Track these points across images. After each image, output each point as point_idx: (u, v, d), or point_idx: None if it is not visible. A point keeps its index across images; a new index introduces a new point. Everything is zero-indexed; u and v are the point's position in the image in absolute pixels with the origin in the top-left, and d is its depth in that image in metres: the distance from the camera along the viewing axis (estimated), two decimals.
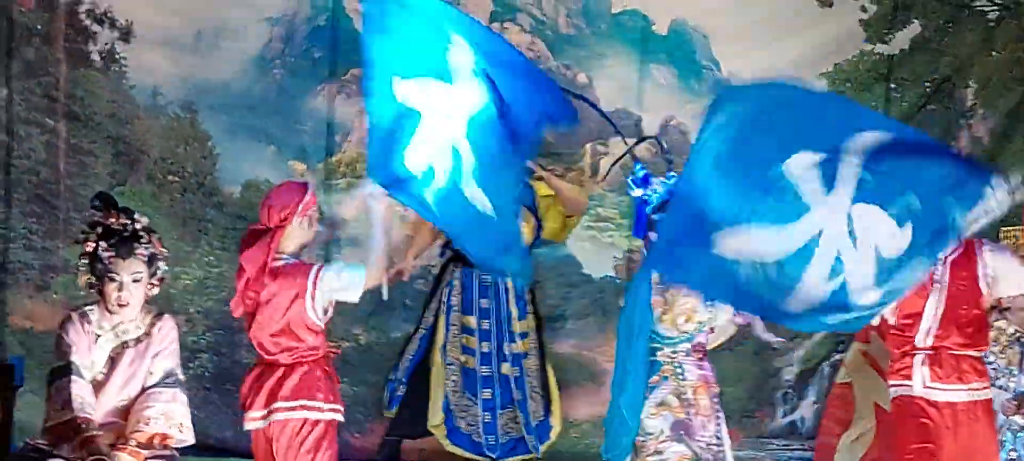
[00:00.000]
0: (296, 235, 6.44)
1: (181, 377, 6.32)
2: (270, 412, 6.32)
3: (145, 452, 6.02)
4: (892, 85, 9.32)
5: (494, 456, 8.04)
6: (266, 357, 6.40)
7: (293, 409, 6.31)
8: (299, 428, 6.30)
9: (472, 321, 8.08)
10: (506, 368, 8.13)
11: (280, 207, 6.37)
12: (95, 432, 5.93)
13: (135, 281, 6.13)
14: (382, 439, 8.22)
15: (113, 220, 6.18)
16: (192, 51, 8.93)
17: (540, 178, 8.15)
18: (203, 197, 9.02)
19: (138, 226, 6.19)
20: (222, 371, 8.96)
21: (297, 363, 6.36)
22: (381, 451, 8.20)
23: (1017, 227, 7.46)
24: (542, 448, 8.19)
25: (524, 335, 8.20)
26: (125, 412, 6.16)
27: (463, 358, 8.12)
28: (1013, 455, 7.25)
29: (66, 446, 5.94)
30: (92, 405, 6.01)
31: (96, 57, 8.90)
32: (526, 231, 8.05)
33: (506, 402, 8.10)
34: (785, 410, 9.26)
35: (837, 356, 9.02)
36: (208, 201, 9.03)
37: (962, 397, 6.39)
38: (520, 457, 8.20)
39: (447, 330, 8.11)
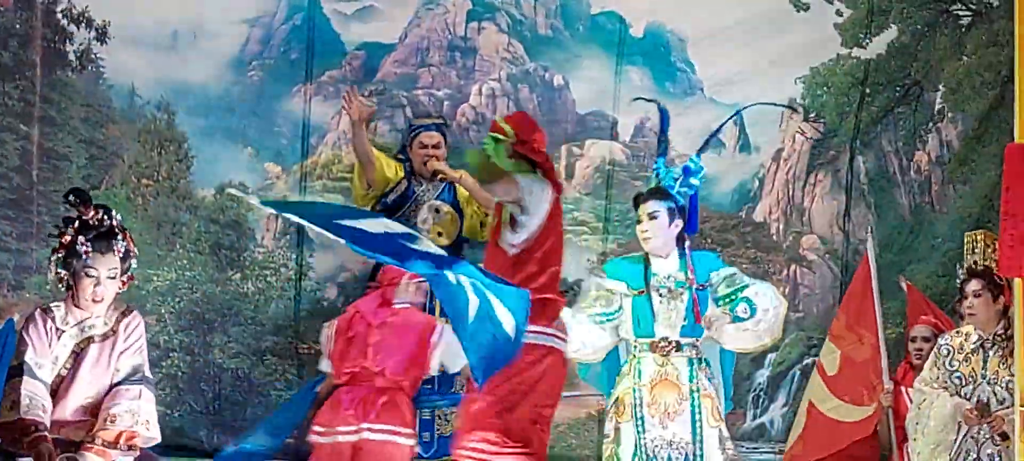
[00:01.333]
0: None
1: (148, 374, 6.31)
2: None
3: (112, 452, 6.02)
4: (867, 89, 9.39)
5: (432, 453, 8.07)
6: None
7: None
8: None
9: None
10: None
11: None
12: (42, 433, 5.88)
13: (111, 277, 6.13)
14: None
15: (91, 215, 6.20)
16: (169, 51, 8.91)
17: (438, 174, 8.23)
18: (177, 200, 9.03)
19: (114, 223, 6.22)
20: (195, 371, 8.97)
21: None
22: None
23: (978, 231, 7.55)
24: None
25: None
26: (93, 409, 6.15)
27: None
28: None
29: (14, 446, 5.94)
30: (44, 406, 5.95)
31: (73, 57, 8.90)
32: (451, 232, 8.16)
33: (455, 401, 8.14)
34: (755, 413, 9.33)
35: (808, 360, 9.10)
36: (182, 205, 9.04)
37: None
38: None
39: None
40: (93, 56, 8.89)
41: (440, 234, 8.32)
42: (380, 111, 9.14)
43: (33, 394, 5.96)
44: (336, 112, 9.11)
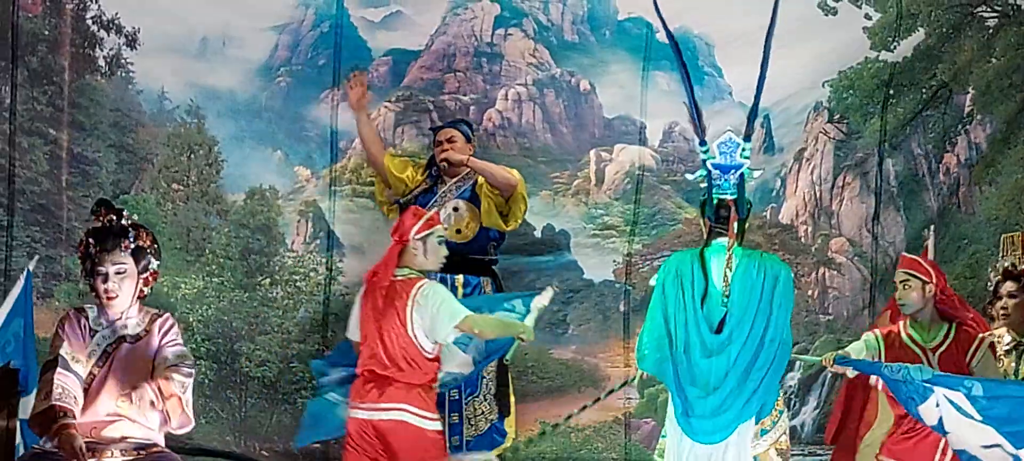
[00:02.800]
0: None
1: (191, 367, 6.38)
2: None
3: (160, 405, 6.10)
4: (891, 91, 9.39)
5: (461, 455, 8.07)
6: None
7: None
8: None
9: None
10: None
11: None
12: (70, 421, 5.96)
13: (118, 273, 6.19)
14: None
15: (102, 217, 6.28)
16: (198, 57, 8.99)
17: (449, 162, 8.18)
18: (207, 205, 9.08)
19: (125, 222, 6.28)
20: (222, 379, 9.01)
21: None
22: None
23: (1014, 233, 7.55)
24: (493, 453, 8.24)
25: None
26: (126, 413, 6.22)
27: None
28: None
29: (46, 436, 6.00)
30: (76, 397, 6.05)
31: (102, 63, 8.95)
32: (471, 228, 8.14)
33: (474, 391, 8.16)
34: (787, 416, 9.31)
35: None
36: (211, 209, 9.09)
37: None
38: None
39: None
40: (123, 61, 8.95)
41: (458, 231, 8.28)
42: (406, 116, 9.17)
43: (65, 385, 6.07)
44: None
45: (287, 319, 9.05)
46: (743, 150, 6.54)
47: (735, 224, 6.42)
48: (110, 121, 9.01)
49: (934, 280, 7.18)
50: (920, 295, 7.15)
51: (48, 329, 8.55)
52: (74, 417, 6.01)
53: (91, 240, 6.21)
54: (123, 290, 6.21)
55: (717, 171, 6.52)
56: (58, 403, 6.00)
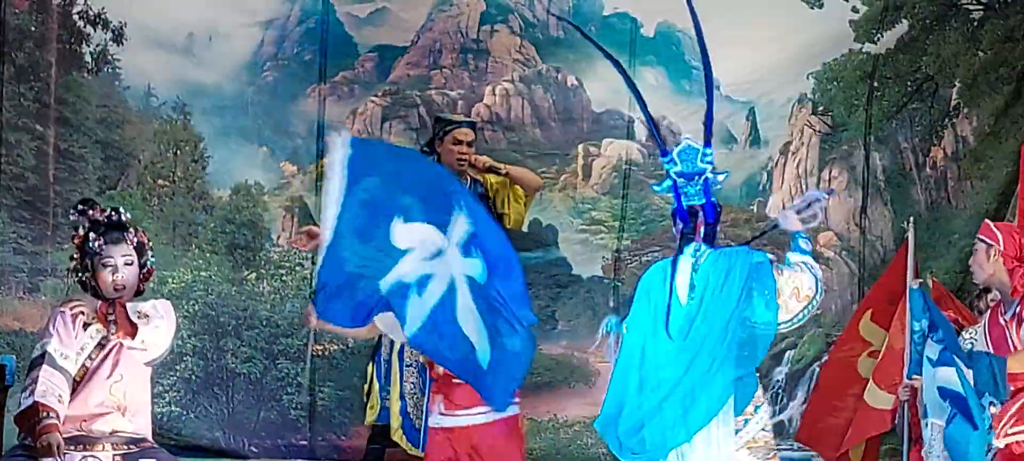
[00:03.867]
0: None
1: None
2: None
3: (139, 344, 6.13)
4: (875, 84, 9.43)
5: None
6: None
7: None
8: None
9: None
10: None
11: None
12: (52, 421, 5.93)
13: (127, 264, 6.21)
14: (366, 448, 8.26)
15: (98, 212, 6.29)
16: (184, 53, 9.03)
17: (489, 169, 8.12)
18: (192, 200, 9.11)
19: (123, 218, 6.31)
20: (209, 374, 9.03)
21: None
22: (366, 459, 8.25)
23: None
24: None
25: None
26: (117, 406, 6.21)
27: (422, 358, 8.15)
28: None
29: (30, 434, 6.00)
30: (60, 396, 6.00)
31: (88, 59, 8.98)
32: None
33: None
34: (775, 410, 9.35)
35: (826, 357, 9.12)
36: (197, 205, 9.11)
37: None
38: None
39: None
40: (109, 57, 8.99)
41: None
42: (394, 111, 9.21)
43: (50, 382, 6.01)
44: (350, 112, 9.17)
45: (275, 313, 9.07)
46: (704, 155, 6.52)
47: (702, 229, 6.40)
48: (96, 117, 9.04)
49: (1002, 246, 6.96)
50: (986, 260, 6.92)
51: (35, 323, 8.62)
52: (57, 417, 5.99)
53: (93, 234, 6.20)
54: (129, 280, 6.22)
55: (681, 179, 6.50)
56: (41, 401, 5.99)
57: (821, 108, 9.49)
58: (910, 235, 8.27)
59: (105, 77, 8.99)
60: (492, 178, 8.08)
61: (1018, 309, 7.02)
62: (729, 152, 9.46)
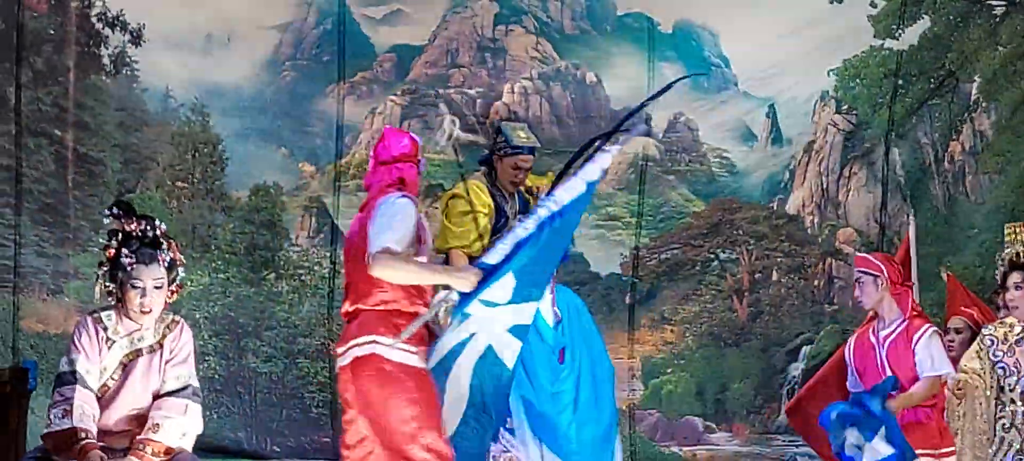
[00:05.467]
0: None
1: (196, 385, 6.42)
2: None
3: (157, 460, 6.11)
4: (900, 81, 9.48)
5: None
6: None
7: None
8: None
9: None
10: None
11: None
12: (91, 441, 5.96)
13: (157, 287, 6.15)
14: None
15: (133, 226, 6.27)
16: (203, 55, 9.13)
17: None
18: (211, 202, 9.20)
19: (158, 232, 6.29)
20: (231, 374, 9.13)
21: None
22: None
23: (1019, 222, 7.61)
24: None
25: None
26: (138, 419, 6.25)
27: None
28: None
29: (63, 454, 6.04)
30: (93, 416, 6.01)
31: (107, 61, 9.07)
32: None
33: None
34: None
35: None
36: (217, 206, 9.20)
37: None
38: None
39: None
40: (127, 60, 9.08)
41: None
42: (413, 110, 9.29)
43: (85, 403, 6.03)
44: (369, 112, 9.26)
45: (293, 314, 9.16)
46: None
47: None
48: (115, 121, 9.13)
49: (886, 274, 7.42)
50: (874, 290, 7.38)
51: (58, 325, 8.74)
52: (93, 438, 6.05)
53: (126, 250, 6.18)
54: (156, 304, 6.18)
55: None
56: (79, 425, 6.03)
57: (845, 106, 9.54)
58: (911, 230, 8.39)
59: (123, 80, 9.09)
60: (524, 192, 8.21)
61: (902, 328, 7.39)
62: (749, 150, 9.53)
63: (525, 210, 8.08)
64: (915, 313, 7.55)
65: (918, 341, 7.51)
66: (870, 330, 7.65)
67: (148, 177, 9.15)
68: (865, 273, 7.36)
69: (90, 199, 9.00)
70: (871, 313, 7.70)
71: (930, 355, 7.46)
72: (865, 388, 7.31)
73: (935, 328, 7.53)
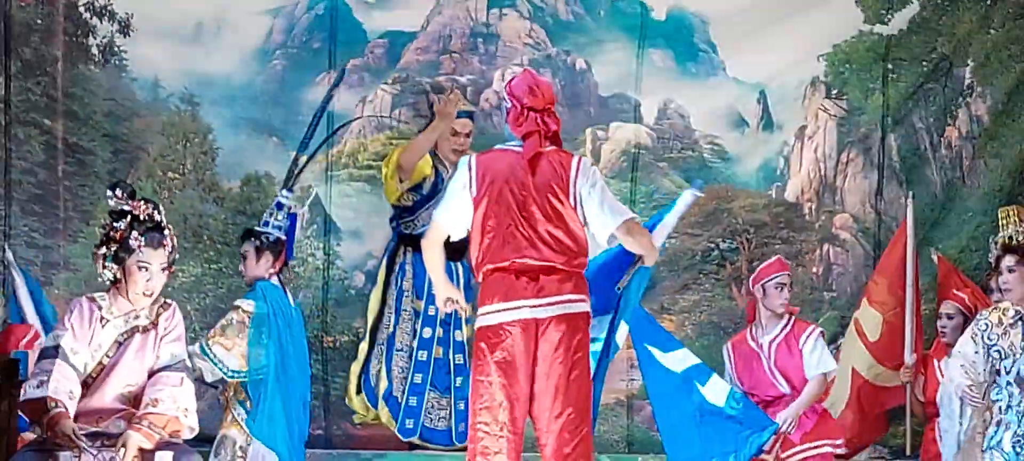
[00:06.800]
0: None
1: (189, 363, 6.58)
2: None
3: (157, 435, 6.24)
4: (890, 66, 9.55)
5: (431, 442, 8.35)
6: None
7: None
8: None
9: (421, 305, 8.37)
10: (453, 355, 8.46)
11: None
12: (62, 411, 6.12)
13: (162, 269, 6.38)
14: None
15: (141, 208, 6.41)
16: (192, 43, 9.20)
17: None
18: (203, 192, 9.27)
19: (162, 216, 6.45)
20: None
21: None
22: None
23: (1011, 206, 7.70)
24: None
25: (470, 320, 8.54)
26: (132, 399, 6.37)
27: (412, 343, 8.42)
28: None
29: (37, 424, 6.17)
30: (71, 391, 6.19)
31: (95, 51, 9.15)
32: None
33: (440, 387, 8.41)
34: None
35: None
36: (208, 197, 9.27)
37: None
38: (454, 447, 8.52)
39: (398, 315, 8.40)
40: (116, 49, 9.16)
41: None
42: (404, 98, 9.36)
43: (62, 377, 6.18)
44: (359, 100, 9.35)
45: None
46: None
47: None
48: (104, 110, 9.20)
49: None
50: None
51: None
52: (65, 409, 6.16)
53: (135, 232, 6.34)
54: (158, 285, 6.40)
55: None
56: (53, 395, 6.15)
57: (835, 92, 9.62)
58: (909, 211, 8.49)
59: (112, 69, 9.17)
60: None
61: (787, 331, 7.68)
62: (741, 136, 9.61)
63: None
64: (796, 315, 7.92)
65: (805, 343, 7.86)
66: (747, 336, 7.94)
67: (138, 167, 9.23)
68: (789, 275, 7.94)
69: (80, 189, 9.08)
70: (748, 318, 7.97)
71: (817, 355, 7.83)
72: (758, 396, 7.79)
73: (821, 329, 8.00)
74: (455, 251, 7.61)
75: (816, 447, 7.86)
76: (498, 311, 6.08)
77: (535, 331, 6.05)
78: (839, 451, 8.02)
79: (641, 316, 7.39)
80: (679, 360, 7.34)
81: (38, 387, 6.19)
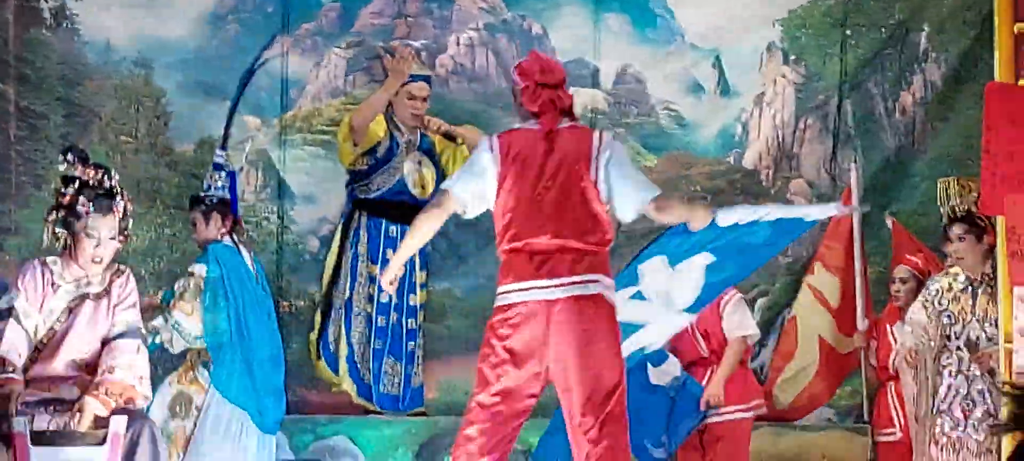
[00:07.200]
0: None
1: (143, 330, 6.58)
2: None
3: (113, 402, 6.23)
4: (848, 31, 9.60)
5: (382, 407, 8.41)
6: None
7: None
8: None
9: (376, 269, 8.41)
10: (406, 319, 8.50)
11: None
12: (12, 376, 6.15)
13: (111, 238, 6.34)
14: None
15: (90, 174, 6.38)
16: (145, 6, 9.20)
17: (444, 134, 8.54)
18: (156, 157, 9.26)
19: (114, 182, 6.42)
20: None
21: None
22: None
23: (947, 178, 7.80)
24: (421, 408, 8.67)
25: (424, 285, 8.59)
26: (86, 366, 6.37)
27: (368, 308, 8.46)
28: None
29: None
30: (20, 352, 6.21)
31: (47, 14, 9.13)
32: (428, 179, 8.45)
33: (396, 353, 8.46)
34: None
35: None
36: (161, 161, 9.26)
37: None
38: (410, 411, 8.61)
39: (354, 279, 8.43)
40: (68, 12, 9.14)
41: (423, 187, 8.62)
42: (358, 62, 9.36)
43: (14, 339, 6.17)
44: (314, 65, 9.33)
45: None
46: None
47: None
48: (57, 74, 9.19)
49: None
50: None
51: None
52: (16, 371, 6.17)
53: (82, 198, 6.30)
54: (108, 253, 6.37)
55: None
56: (4, 356, 6.15)
57: (793, 57, 9.66)
58: (853, 176, 8.57)
59: (64, 32, 9.15)
60: (437, 137, 8.47)
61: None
62: (698, 102, 9.63)
63: (428, 151, 8.41)
64: None
65: (725, 307, 7.96)
66: None
67: (91, 131, 9.22)
68: None
69: (33, 154, 9.06)
70: None
71: (736, 318, 8.01)
72: (681, 360, 7.89)
73: (740, 294, 8.12)
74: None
75: (741, 409, 8.00)
76: (511, 292, 5.97)
77: (547, 313, 5.93)
78: (760, 411, 8.14)
79: None
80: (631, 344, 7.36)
81: None
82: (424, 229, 6.22)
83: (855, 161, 8.91)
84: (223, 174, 7.76)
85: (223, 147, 7.98)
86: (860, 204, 8.25)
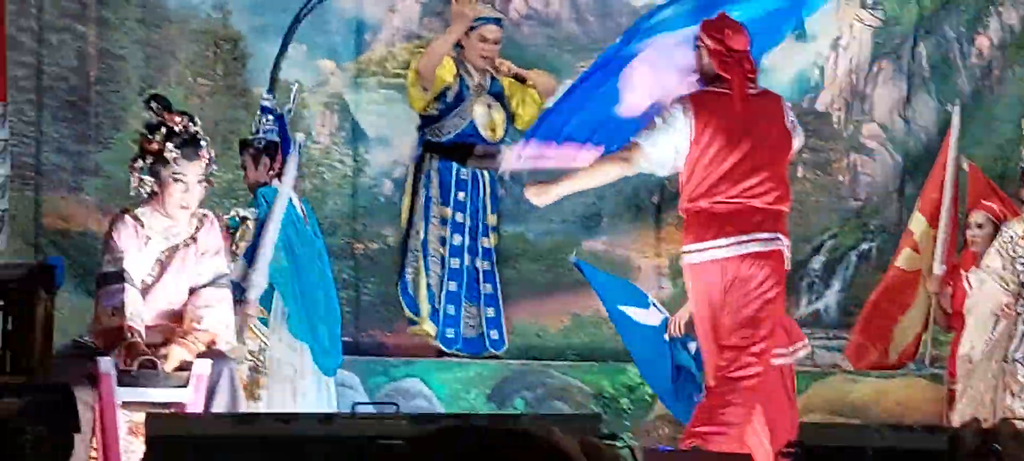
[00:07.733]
0: None
1: (230, 277, 6.68)
2: None
3: (198, 349, 6.34)
4: None
5: (456, 349, 8.49)
6: None
7: None
8: None
9: (449, 212, 8.48)
10: (480, 262, 8.57)
11: None
12: (140, 339, 6.27)
13: (199, 182, 6.43)
14: None
15: (177, 121, 6.47)
16: None
17: (514, 75, 8.58)
18: (232, 98, 9.37)
19: (198, 128, 6.51)
20: None
21: None
22: None
23: None
24: (501, 352, 8.66)
25: (495, 229, 8.65)
26: (174, 315, 6.48)
27: (442, 250, 8.54)
28: None
29: (114, 351, 6.27)
30: (141, 315, 6.32)
31: None
32: (498, 123, 8.50)
33: (473, 297, 8.54)
34: (810, 298, 9.54)
35: (865, 246, 9.32)
36: (238, 102, 9.37)
37: None
38: (484, 354, 8.67)
39: (427, 222, 8.51)
40: None
41: (493, 130, 8.66)
42: (432, 7, 9.39)
43: (135, 302, 6.28)
44: (387, 9, 9.37)
45: (317, 212, 9.32)
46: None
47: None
48: (136, 17, 9.30)
49: None
50: None
51: (79, 222, 8.98)
52: (141, 337, 6.29)
53: (171, 145, 6.38)
54: (195, 199, 6.45)
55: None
56: (130, 323, 6.26)
57: (869, 1, 9.60)
58: (955, 119, 8.46)
59: None
60: (507, 80, 8.50)
61: None
62: (774, 48, 9.56)
63: (498, 94, 8.45)
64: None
65: None
66: None
67: (169, 74, 9.33)
68: None
69: (112, 95, 9.20)
70: None
71: None
72: None
73: None
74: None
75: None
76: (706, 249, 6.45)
77: (734, 269, 6.40)
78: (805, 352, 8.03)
79: (605, 279, 7.50)
80: (655, 316, 7.42)
81: (112, 315, 6.28)
82: (600, 174, 6.56)
83: (956, 103, 8.73)
84: (271, 118, 7.82)
85: (270, 91, 8.03)
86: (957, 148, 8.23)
